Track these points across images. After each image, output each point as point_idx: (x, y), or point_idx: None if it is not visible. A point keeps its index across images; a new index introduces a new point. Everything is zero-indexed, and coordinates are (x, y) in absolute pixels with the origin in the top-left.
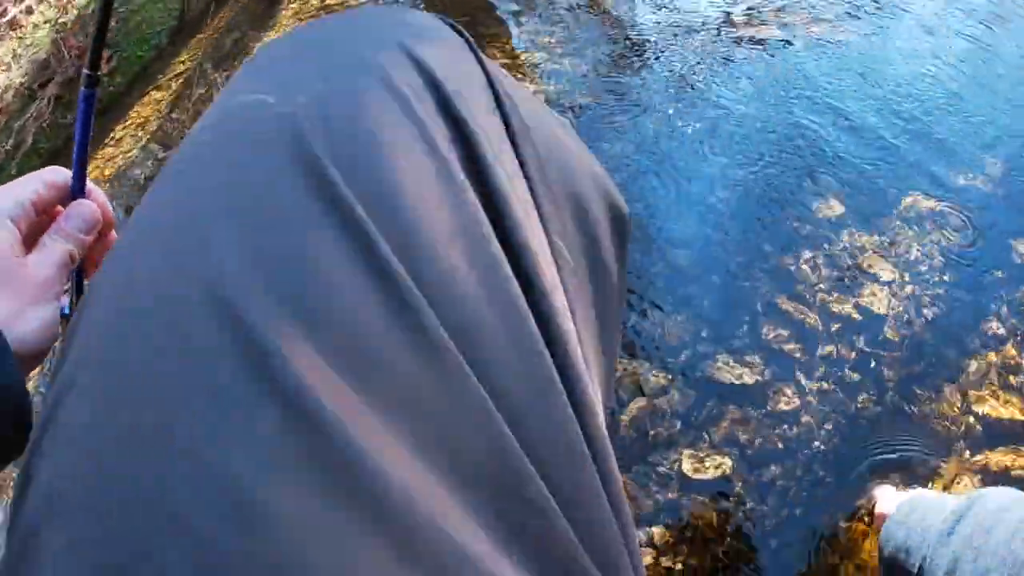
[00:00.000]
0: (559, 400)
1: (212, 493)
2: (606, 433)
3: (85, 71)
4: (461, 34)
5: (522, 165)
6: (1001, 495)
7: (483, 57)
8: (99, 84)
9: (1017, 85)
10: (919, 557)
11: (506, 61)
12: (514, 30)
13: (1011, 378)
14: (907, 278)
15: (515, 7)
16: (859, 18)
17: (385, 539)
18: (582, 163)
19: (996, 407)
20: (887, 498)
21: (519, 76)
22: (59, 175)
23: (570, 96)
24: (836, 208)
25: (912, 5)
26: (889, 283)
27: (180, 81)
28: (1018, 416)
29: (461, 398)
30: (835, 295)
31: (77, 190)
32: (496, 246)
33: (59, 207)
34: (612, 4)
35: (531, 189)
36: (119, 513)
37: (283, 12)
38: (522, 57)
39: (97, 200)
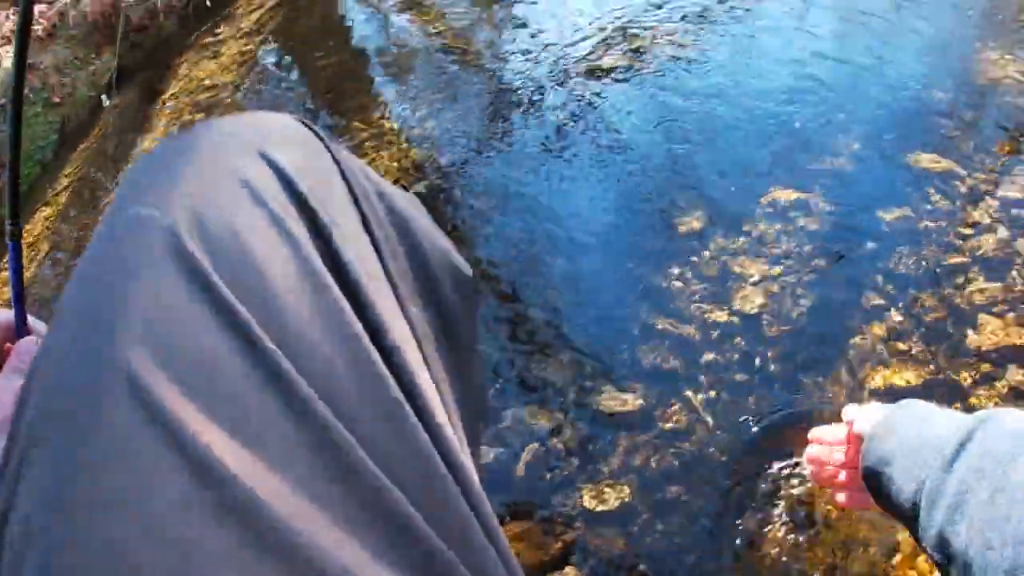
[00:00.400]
0: (416, 434)
1: (150, 537)
2: (472, 467)
3: (8, 224)
4: (314, 132)
5: (377, 250)
6: (1019, 419)
7: (336, 150)
8: (22, 234)
9: (856, 74)
10: (913, 479)
11: (373, 131)
12: (386, 94)
13: (899, 344)
14: (778, 271)
15: (383, 74)
16: (704, 34)
17: (275, 558)
18: (430, 239)
19: (889, 376)
20: (863, 415)
21: (389, 143)
22: (1, 316)
23: (441, 153)
24: (700, 220)
25: (749, 18)
26: (760, 280)
27: (68, 193)
28: (913, 380)
29: (326, 441)
30: (709, 304)
31: (20, 327)
32: (354, 322)
33: (8, 344)
34: (479, 59)
35: (385, 269)
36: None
37: (159, 117)
38: (389, 124)
39: (39, 332)
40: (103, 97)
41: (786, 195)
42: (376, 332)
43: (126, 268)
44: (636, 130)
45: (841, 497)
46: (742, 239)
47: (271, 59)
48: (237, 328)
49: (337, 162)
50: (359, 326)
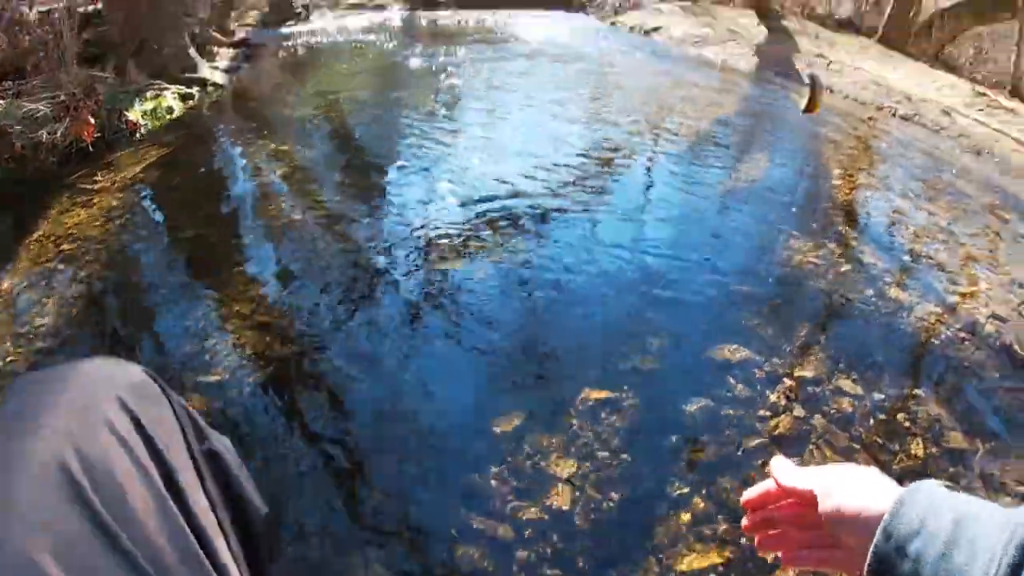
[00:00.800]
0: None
1: None
2: None
3: None
4: (158, 383)
5: (199, 474)
6: None
7: (171, 395)
8: None
9: (671, 271)
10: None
11: (237, 302)
12: (255, 264)
13: (704, 529)
14: (588, 467)
15: (252, 243)
16: (547, 226)
17: None
18: (237, 466)
19: (695, 560)
20: (794, 472)
21: (249, 315)
22: None
23: (303, 324)
24: (518, 419)
25: (594, 206)
26: (570, 478)
27: None
28: (716, 560)
29: None
30: (524, 501)
31: None
32: (182, 520)
33: None
34: (349, 232)
35: (204, 488)
36: None
37: (21, 259)
38: (254, 293)
39: None
40: None
41: (598, 394)
42: (191, 520)
43: (22, 481)
44: (475, 321)
45: (799, 555)
46: (556, 437)
47: (140, 219)
48: (103, 527)
49: (171, 405)
50: (182, 520)
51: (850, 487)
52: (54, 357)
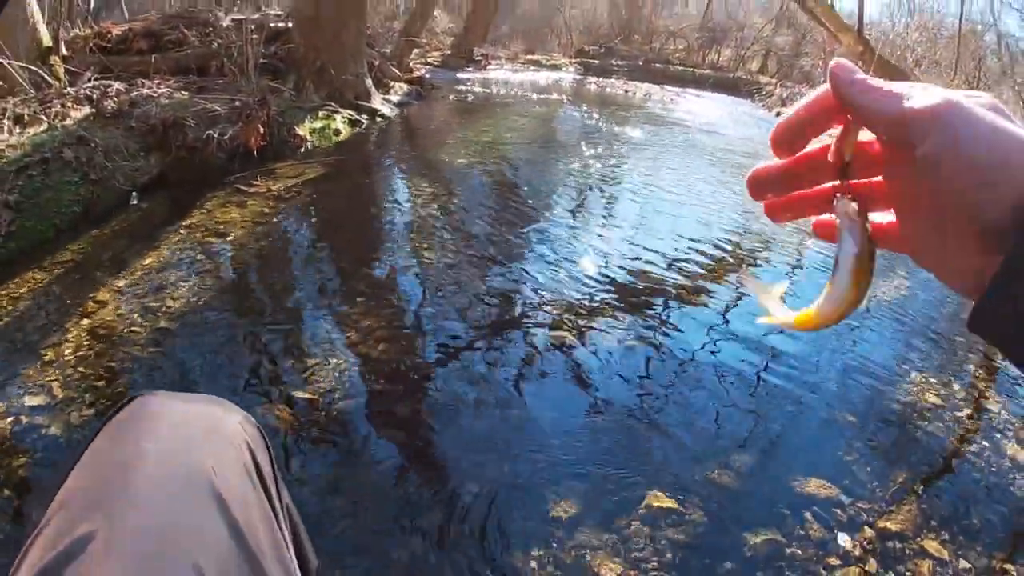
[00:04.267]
0: None
1: None
2: None
3: None
4: (263, 435)
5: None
6: None
7: (272, 451)
8: None
9: (772, 393)
10: None
11: (370, 316)
12: (378, 298)
13: None
14: (634, 574)
15: (391, 262)
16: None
17: None
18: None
19: None
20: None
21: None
22: None
23: (428, 347)
24: (575, 507)
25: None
26: None
27: (62, 272)
28: None
29: None
30: None
31: None
32: (295, 569)
33: None
34: (489, 267)
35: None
36: None
37: (168, 241)
38: (385, 312)
39: None
40: (133, 194)
41: (664, 502)
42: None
43: (167, 480)
44: (576, 394)
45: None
46: (607, 536)
47: (285, 228)
48: (248, 552)
49: (270, 458)
50: (295, 569)
51: (974, 115)
52: (172, 340)
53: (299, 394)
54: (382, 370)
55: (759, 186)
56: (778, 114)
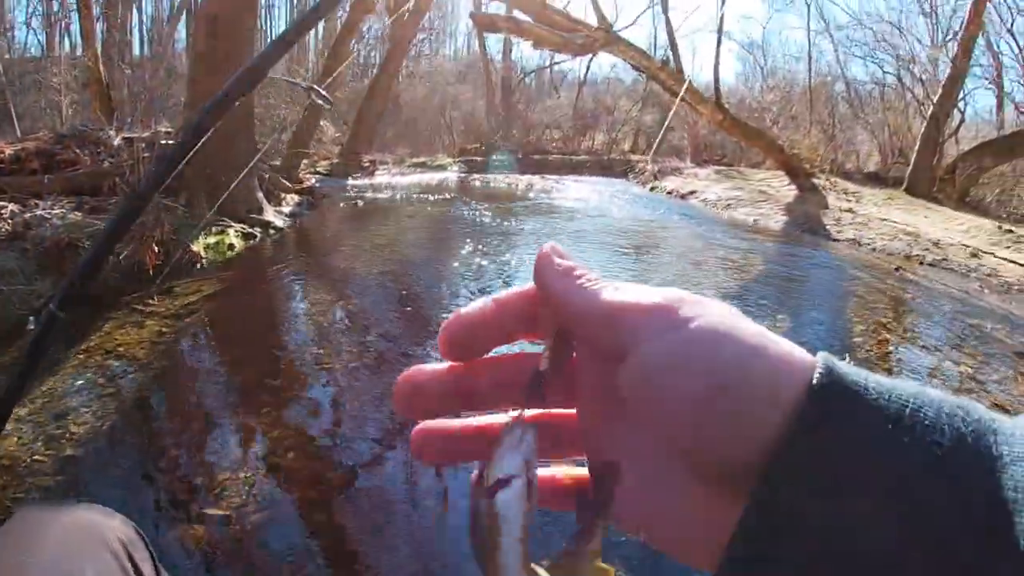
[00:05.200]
0: None
1: None
2: None
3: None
4: (143, 538)
5: None
6: None
7: (153, 554)
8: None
9: None
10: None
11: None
12: (284, 411)
13: None
14: None
15: (274, 395)
16: None
17: None
18: None
19: None
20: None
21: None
22: None
23: (336, 467)
24: None
25: None
26: None
27: None
28: None
29: None
30: None
31: None
32: None
33: None
34: (385, 382)
35: None
36: None
37: (67, 365)
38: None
39: None
40: (31, 319)
41: None
42: None
43: None
44: None
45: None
46: None
47: (185, 347)
48: None
49: (153, 561)
50: None
51: (701, 317)
52: (78, 467)
53: (212, 511)
54: (294, 478)
55: (409, 399)
56: (652, 188)
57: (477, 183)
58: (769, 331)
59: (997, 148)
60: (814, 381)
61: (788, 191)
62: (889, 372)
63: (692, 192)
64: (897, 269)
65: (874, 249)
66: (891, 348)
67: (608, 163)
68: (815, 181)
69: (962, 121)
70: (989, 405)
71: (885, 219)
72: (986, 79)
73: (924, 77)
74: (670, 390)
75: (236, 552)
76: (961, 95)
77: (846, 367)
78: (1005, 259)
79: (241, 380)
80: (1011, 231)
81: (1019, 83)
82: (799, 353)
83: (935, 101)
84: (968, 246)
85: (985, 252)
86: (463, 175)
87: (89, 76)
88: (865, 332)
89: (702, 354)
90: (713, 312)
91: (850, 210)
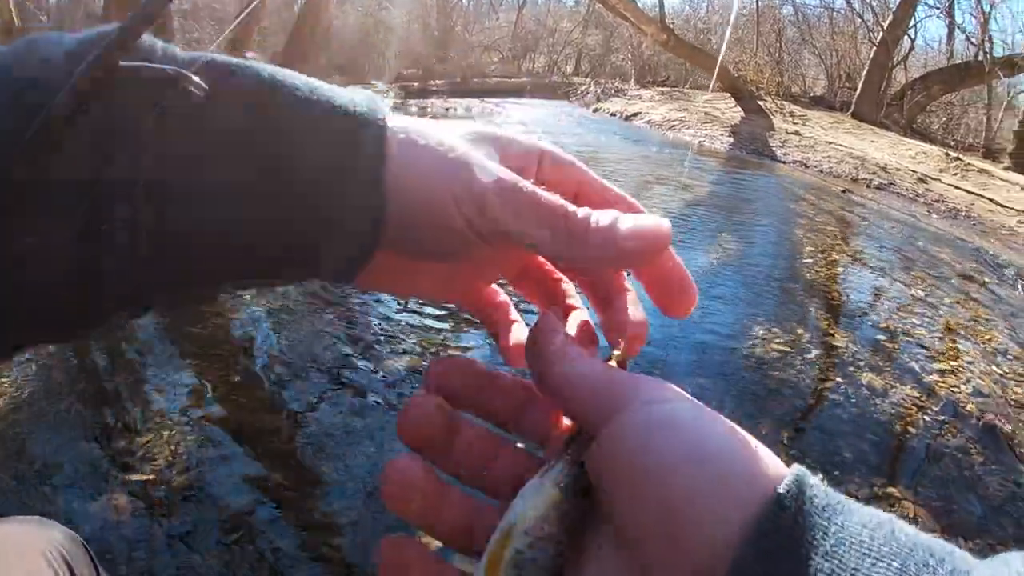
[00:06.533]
0: None
1: None
2: None
3: None
4: (86, 548)
5: None
6: None
7: (96, 563)
8: None
9: None
10: None
11: None
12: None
13: None
14: None
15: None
16: None
17: None
18: None
19: None
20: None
21: None
22: None
23: None
24: None
25: None
26: None
27: None
28: None
29: None
30: None
31: None
32: None
33: None
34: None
35: None
36: None
37: None
38: None
39: None
40: None
41: None
42: None
43: None
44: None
45: None
46: None
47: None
48: None
49: (94, 562)
50: None
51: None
52: None
53: (134, 477)
54: (221, 431)
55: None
56: (595, 110)
57: (413, 108)
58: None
59: (946, 77)
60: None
61: (734, 113)
62: (839, 294)
63: (636, 114)
64: (844, 191)
65: (821, 171)
66: (840, 269)
67: (550, 86)
68: (761, 104)
69: (911, 49)
70: (942, 327)
71: (832, 142)
72: (937, 8)
73: (874, 3)
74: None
75: (163, 517)
76: (912, 23)
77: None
78: (952, 185)
79: (159, 326)
80: (959, 159)
81: (970, 14)
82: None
83: (885, 27)
84: (915, 172)
85: (932, 178)
86: (399, 101)
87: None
88: (814, 253)
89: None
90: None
91: (796, 133)
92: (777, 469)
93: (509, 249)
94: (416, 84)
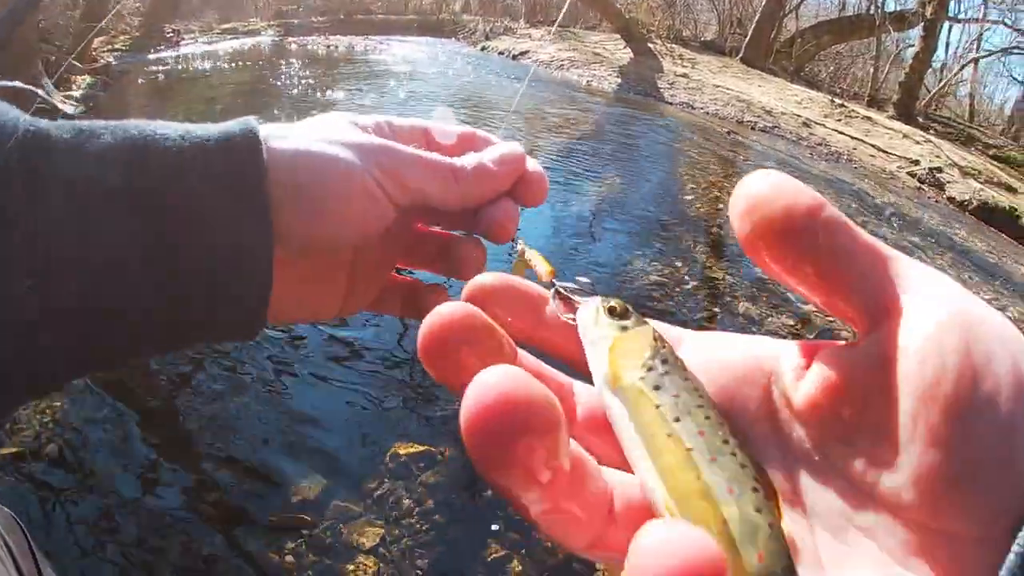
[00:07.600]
0: None
1: None
2: None
3: None
4: (18, 522)
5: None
6: None
7: (30, 538)
8: None
9: None
10: None
11: None
12: None
13: None
14: (396, 533)
15: None
16: None
17: None
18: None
19: None
20: None
21: None
22: None
23: None
24: (316, 487)
25: None
26: (375, 548)
27: None
28: None
29: None
30: None
31: None
32: None
33: None
34: None
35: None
36: None
37: None
38: None
39: None
40: None
41: (407, 449)
42: None
43: None
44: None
45: None
46: (363, 501)
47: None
48: None
49: (29, 546)
50: None
51: None
52: None
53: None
54: (91, 396)
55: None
56: (483, 48)
57: (294, 46)
58: None
59: (837, 28)
60: None
61: (623, 54)
62: (720, 230)
63: (524, 52)
64: (729, 133)
65: (707, 113)
66: (722, 207)
67: (436, 23)
68: (651, 46)
69: None
70: None
71: (719, 86)
72: None
73: None
74: None
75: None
76: None
77: None
78: (835, 130)
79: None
80: (843, 105)
81: None
82: None
83: None
84: (800, 116)
85: (816, 123)
86: (278, 39)
87: None
88: (696, 191)
89: None
90: None
91: (684, 75)
92: None
93: (402, 225)
94: (296, 21)
